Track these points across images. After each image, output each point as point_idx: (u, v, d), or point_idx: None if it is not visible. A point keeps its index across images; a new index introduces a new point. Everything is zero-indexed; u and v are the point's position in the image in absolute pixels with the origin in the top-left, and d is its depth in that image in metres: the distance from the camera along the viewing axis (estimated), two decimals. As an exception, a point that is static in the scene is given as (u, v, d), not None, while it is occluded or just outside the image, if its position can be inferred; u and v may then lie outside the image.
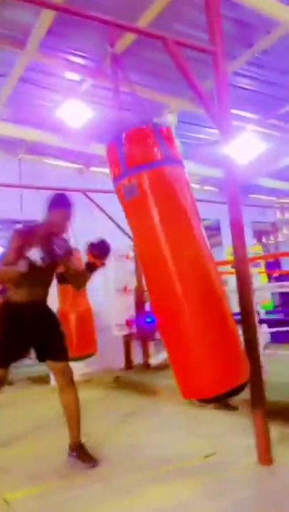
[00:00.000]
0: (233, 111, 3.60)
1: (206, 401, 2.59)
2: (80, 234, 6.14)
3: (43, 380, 6.85)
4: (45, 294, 3.39)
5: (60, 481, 2.95)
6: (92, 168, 7.98)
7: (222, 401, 2.53)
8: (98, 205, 6.41)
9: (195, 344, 2.37)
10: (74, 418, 3.29)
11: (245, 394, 3.09)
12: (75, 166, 7.98)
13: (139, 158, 2.48)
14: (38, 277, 3.18)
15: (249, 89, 6.25)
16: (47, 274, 3.33)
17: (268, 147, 7.85)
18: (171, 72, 4.12)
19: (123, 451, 3.44)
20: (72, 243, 5.88)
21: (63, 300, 5.82)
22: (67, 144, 7.12)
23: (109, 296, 6.85)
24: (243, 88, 6.18)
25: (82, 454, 3.23)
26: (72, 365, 6.05)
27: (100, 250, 3.29)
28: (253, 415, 2.93)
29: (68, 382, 3.31)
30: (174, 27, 4.66)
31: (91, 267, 3.29)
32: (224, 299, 2.53)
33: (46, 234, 3.26)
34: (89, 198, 6.30)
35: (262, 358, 3.23)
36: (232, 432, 3.59)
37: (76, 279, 3.48)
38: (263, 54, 5.43)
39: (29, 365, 9.22)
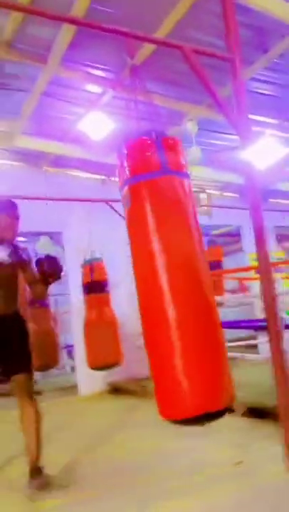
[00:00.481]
0: (251, 116, 3.61)
1: (179, 422, 2.42)
2: (103, 243, 6.22)
3: (70, 389, 6.91)
4: (8, 306, 3.18)
5: (93, 490, 2.97)
6: (115, 179, 8.05)
7: (199, 424, 2.38)
8: (121, 215, 6.45)
9: (179, 361, 2.28)
10: (31, 439, 3.03)
11: (271, 400, 3.07)
12: (98, 177, 8.07)
13: (135, 169, 2.49)
14: None
15: (267, 94, 6.24)
16: (6, 282, 3.18)
17: (287, 151, 7.81)
18: (190, 80, 4.16)
19: (153, 460, 3.44)
20: (95, 254, 5.99)
21: (89, 310, 5.88)
22: (90, 155, 7.21)
23: (133, 306, 6.85)
24: (261, 93, 6.18)
25: (37, 479, 2.95)
26: (99, 374, 6.11)
27: (49, 267, 3.11)
28: (281, 422, 2.90)
29: (26, 397, 3.09)
30: (192, 35, 4.70)
31: (45, 282, 3.16)
32: (215, 313, 2.45)
33: None
34: (112, 207, 6.36)
35: (288, 365, 3.20)
36: (261, 439, 3.55)
37: (35, 289, 3.32)
38: (280, 58, 5.43)
39: (57, 375, 9.37)
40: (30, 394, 3.11)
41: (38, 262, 3.10)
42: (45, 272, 3.07)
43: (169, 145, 2.54)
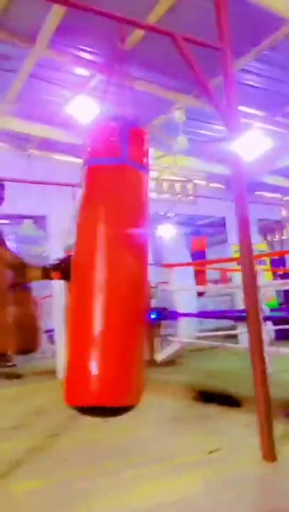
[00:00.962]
0: (240, 108, 3.61)
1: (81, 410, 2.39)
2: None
3: (50, 374, 6.92)
4: None
5: (67, 474, 2.98)
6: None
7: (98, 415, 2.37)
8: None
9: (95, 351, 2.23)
10: None
11: (250, 390, 3.12)
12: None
13: (94, 151, 2.47)
14: None
15: (256, 87, 6.24)
16: None
17: (273, 144, 7.84)
18: (179, 68, 4.13)
19: (129, 445, 3.47)
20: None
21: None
22: (76, 139, 7.14)
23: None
24: (250, 85, 6.18)
25: None
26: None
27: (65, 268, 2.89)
28: (257, 412, 2.95)
29: None
30: (183, 24, 4.66)
31: (47, 277, 3.00)
32: (144, 310, 2.43)
33: None
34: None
35: (266, 355, 3.25)
36: (236, 428, 3.61)
37: (26, 273, 3.18)
38: (270, 51, 5.42)
39: (38, 359, 9.36)
40: None
41: (63, 261, 2.91)
42: (62, 271, 2.89)
43: (134, 135, 2.51)
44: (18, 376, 7.48)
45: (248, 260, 3.10)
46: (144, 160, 2.54)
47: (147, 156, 2.56)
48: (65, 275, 2.85)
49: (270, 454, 2.88)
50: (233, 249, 9.06)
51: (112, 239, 2.35)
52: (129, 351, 2.29)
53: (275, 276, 9.82)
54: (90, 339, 2.25)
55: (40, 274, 3.05)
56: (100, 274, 2.30)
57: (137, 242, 2.42)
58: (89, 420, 3.41)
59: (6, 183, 5.03)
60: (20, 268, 3.19)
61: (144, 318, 2.43)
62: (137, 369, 2.32)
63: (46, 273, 3.00)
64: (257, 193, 10.24)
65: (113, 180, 2.42)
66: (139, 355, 2.35)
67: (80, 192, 2.56)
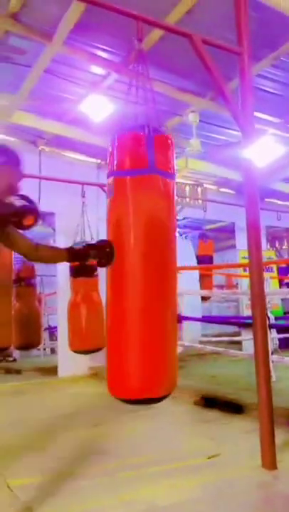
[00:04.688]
0: (255, 113, 3.58)
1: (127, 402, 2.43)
2: (95, 227, 6.18)
3: (50, 370, 6.92)
4: None
5: (63, 471, 2.97)
6: (110, 164, 7.99)
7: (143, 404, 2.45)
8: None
9: (134, 343, 2.32)
10: None
11: (252, 397, 3.10)
12: (94, 160, 8.00)
13: (122, 162, 2.45)
14: None
15: (271, 92, 6.20)
16: None
17: (286, 151, 7.79)
18: (195, 71, 4.12)
19: (128, 446, 3.46)
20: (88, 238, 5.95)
21: (75, 293, 5.85)
22: (88, 138, 7.13)
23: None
24: (265, 91, 6.14)
25: None
26: (80, 357, 6.11)
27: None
28: (260, 419, 2.93)
29: None
30: (201, 26, 4.64)
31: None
32: (174, 306, 2.50)
33: None
34: (106, 193, 6.31)
35: (270, 363, 3.22)
36: (238, 434, 3.59)
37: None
38: (288, 56, 5.39)
39: (37, 355, 9.37)
40: None
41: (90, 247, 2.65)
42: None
43: (160, 143, 2.49)
44: (18, 371, 7.49)
45: (256, 267, 3.07)
46: (171, 167, 2.52)
47: (174, 162, 2.55)
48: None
49: (270, 461, 2.85)
50: (240, 255, 9.02)
51: (147, 246, 2.37)
52: (163, 344, 2.35)
53: (282, 284, 9.78)
54: (124, 335, 2.34)
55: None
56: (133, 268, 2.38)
57: (169, 248, 2.49)
58: (88, 419, 3.41)
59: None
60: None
61: (175, 309, 2.49)
62: (171, 360, 2.39)
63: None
64: (268, 200, 10.18)
65: (144, 191, 2.41)
66: (173, 347, 2.42)
67: (107, 202, 2.52)
